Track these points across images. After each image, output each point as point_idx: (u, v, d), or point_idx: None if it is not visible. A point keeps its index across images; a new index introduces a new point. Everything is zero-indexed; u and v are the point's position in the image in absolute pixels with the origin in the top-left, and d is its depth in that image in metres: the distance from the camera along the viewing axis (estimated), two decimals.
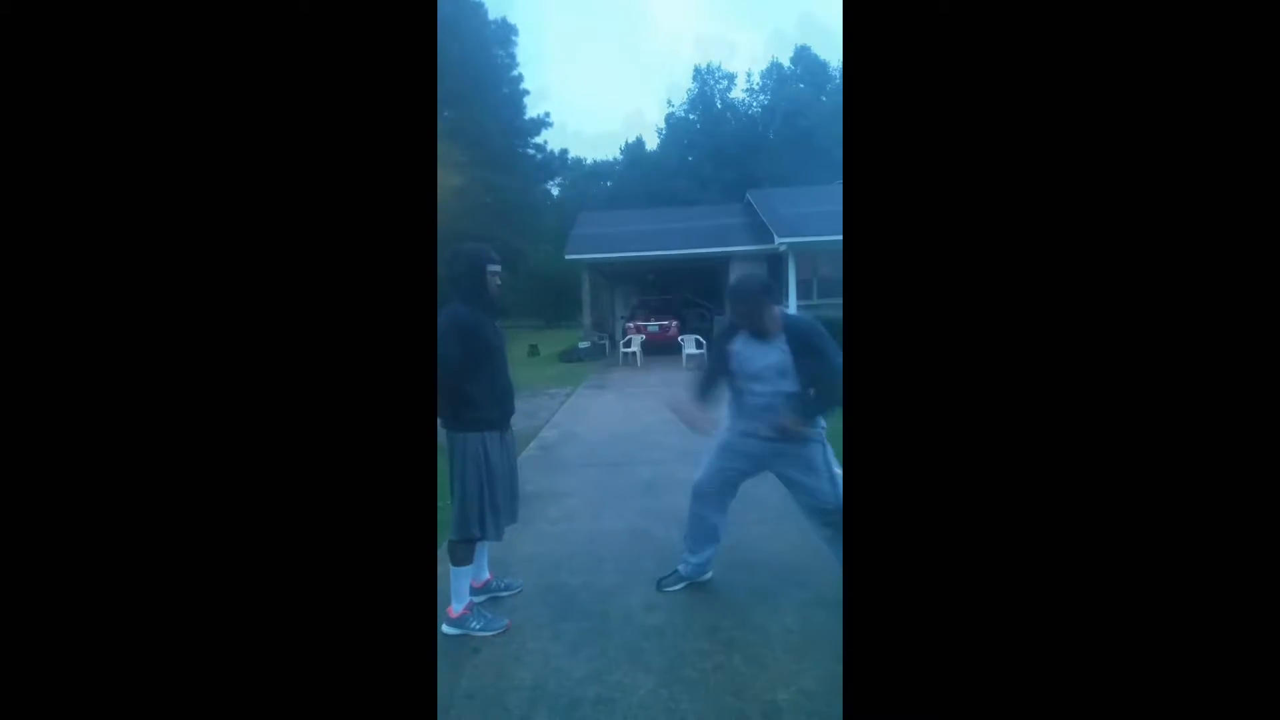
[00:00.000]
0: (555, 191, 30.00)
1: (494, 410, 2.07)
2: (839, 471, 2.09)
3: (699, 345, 10.42)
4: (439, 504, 2.11)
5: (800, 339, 2.05)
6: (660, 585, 2.33)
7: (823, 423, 2.11)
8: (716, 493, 2.25)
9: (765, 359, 2.09)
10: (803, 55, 31.15)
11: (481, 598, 2.24)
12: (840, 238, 10.72)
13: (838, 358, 2.00)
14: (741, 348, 2.14)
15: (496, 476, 2.07)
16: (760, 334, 2.09)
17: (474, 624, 2.05)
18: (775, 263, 12.17)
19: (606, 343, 12.80)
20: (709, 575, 2.36)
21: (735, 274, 2.09)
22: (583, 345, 12.21)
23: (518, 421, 2.27)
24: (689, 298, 13.57)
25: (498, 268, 2.10)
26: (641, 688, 1.73)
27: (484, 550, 2.28)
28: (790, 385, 2.05)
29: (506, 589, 2.33)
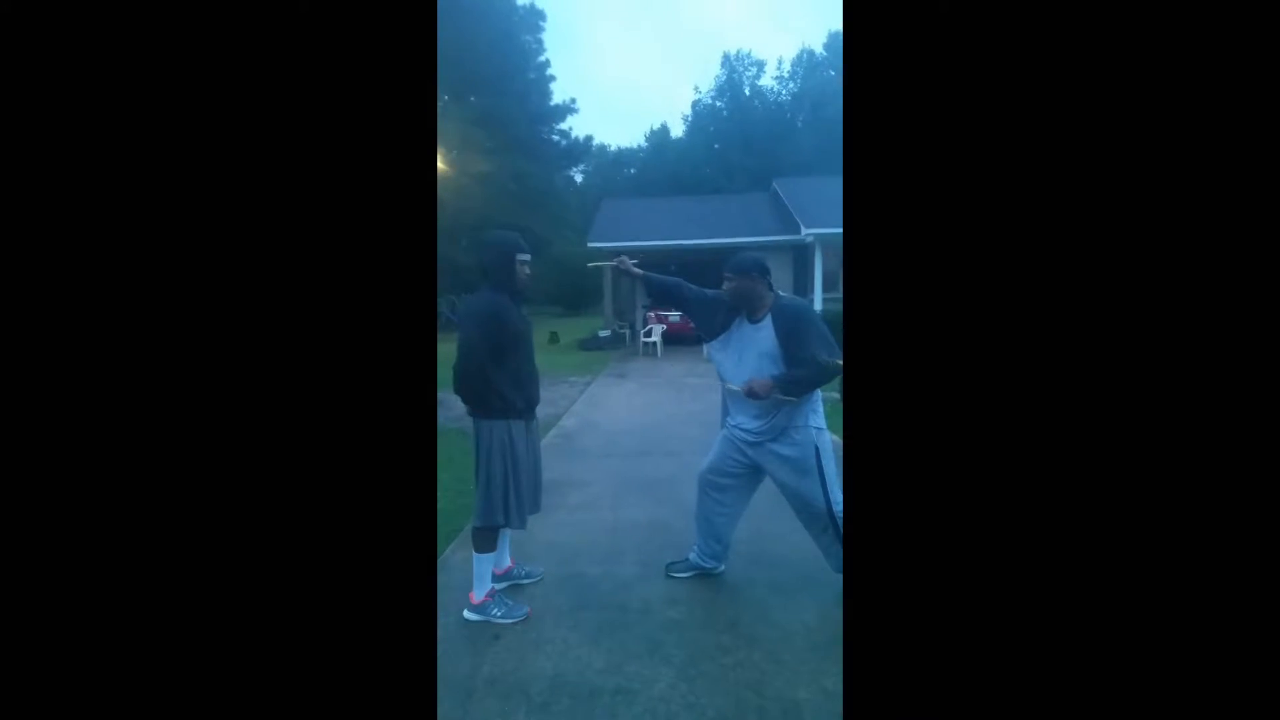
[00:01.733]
0: (579, 179, 29.93)
1: (520, 398, 2.07)
2: (835, 475, 2.05)
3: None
4: (463, 490, 2.13)
5: (787, 321, 2.02)
6: (669, 570, 2.36)
7: (820, 422, 2.08)
8: (720, 487, 2.24)
9: (753, 340, 2.08)
10: (835, 42, 30.49)
11: (503, 584, 2.26)
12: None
13: (822, 344, 1.95)
14: (734, 329, 2.13)
15: (521, 464, 2.08)
16: (752, 314, 2.09)
17: (495, 611, 2.07)
18: (802, 253, 12.01)
19: (627, 331, 12.79)
20: (722, 569, 2.36)
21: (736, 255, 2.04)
22: (603, 333, 12.22)
23: (539, 409, 2.28)
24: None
25: (527, 256, 2.10)
26: (661, 680, 1.74)
27: (506, 537, 2.30)
28: (774, 367, 2.02)
29: (527, 576, 2.35)
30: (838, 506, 2.03)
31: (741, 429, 2.16)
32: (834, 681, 1.71)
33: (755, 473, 2.21)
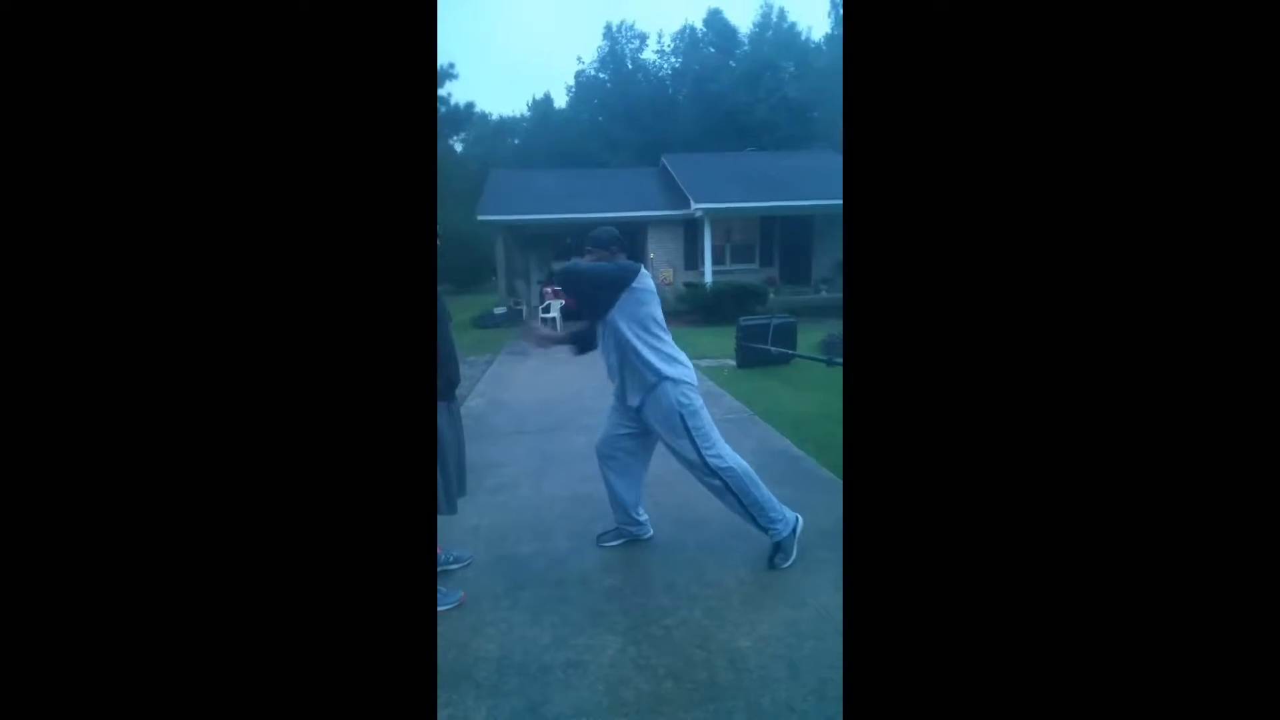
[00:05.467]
0: (459, 148, 28.37)
1: (439, 380, 1.97)
2: (707, 430, 2.18)
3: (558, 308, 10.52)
4: None
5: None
6: (599, 541, 2.42)
7: (689, 376, 2.18)
8: (613, 455, 2.32)
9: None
10: (714, 19, 31.03)
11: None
12: (754, 204, 10.85)
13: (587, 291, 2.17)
14: None
15: (446, 448, 2.00)
16: None
17: None
18: (692, 228, 12.30)
19: (523, 308, 12.48)
20: (650, 534, 2.44)
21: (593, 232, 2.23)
22: (499, 311, 11.84)
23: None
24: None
25: (438, 228, 1.98)
26: (610, 648, 1.76)
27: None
28: (619, 334, 2.16)
29: (456, 562, 2.27)
30: (714, 460, 2.15)
31: (618, 394, 2.27)
32: (771, 627, 1.83)
33: (645, 436, 2.30)
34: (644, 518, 2.43)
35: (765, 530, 2.19)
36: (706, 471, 2.16)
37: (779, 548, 2.18)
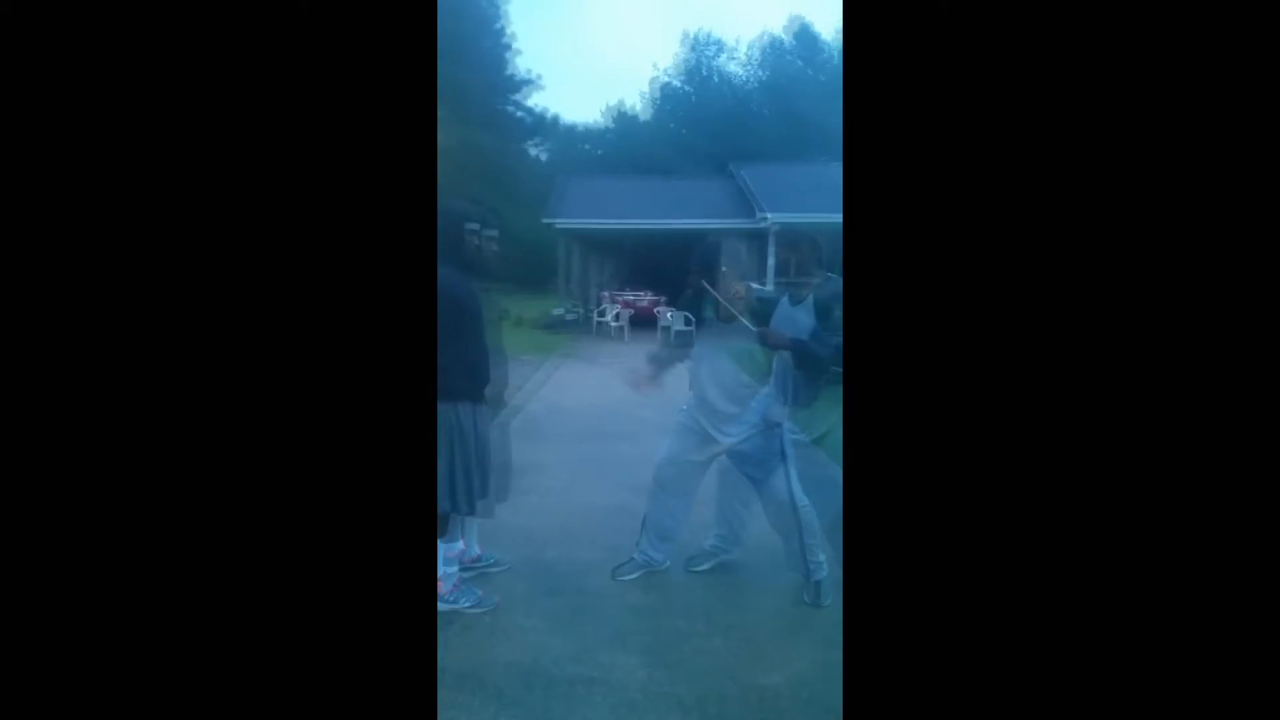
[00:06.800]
0: (535, 154, 29.20)
1: (467, 378, 1.93)
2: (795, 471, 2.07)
3: (682, 320, 10.44)
4: None
5: (830, 300, 2.09)
6: (615, 574, 2.20)
7: (785, 422, 2.08)
8: (672, 480, 2.18)
9: (791, 319, 2.11)
10: (798, 27, 30.60)
11: (453, 567, 2.14)
12: (825, 216, 10.45)
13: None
14: (776, 311, 2.14)
15: (470, 449, 1.95)
16: (795, 295, 2.11)
17: (453, 598, 1.96)
18: (760, 238, 12.08)
19: (580, 310, 12.62)
20: (667, 564, 2.27)
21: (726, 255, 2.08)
22: (557, 313, 12.02)
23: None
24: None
25: (477, 225, 1.95)
26: (626, 669, 1.67)
27: (463, 524, 2.17)
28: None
29: (483, 562, 2.24)
30: (799, 499, 2.04)
31: (719, 422, 2.08)
32: (807, 665, 1.69)
33: (707, 465, 2.18)
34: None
35: (808, 572, 2.05)
36: (789, 510, 2.04)
37: (819, 586, 2.03)
